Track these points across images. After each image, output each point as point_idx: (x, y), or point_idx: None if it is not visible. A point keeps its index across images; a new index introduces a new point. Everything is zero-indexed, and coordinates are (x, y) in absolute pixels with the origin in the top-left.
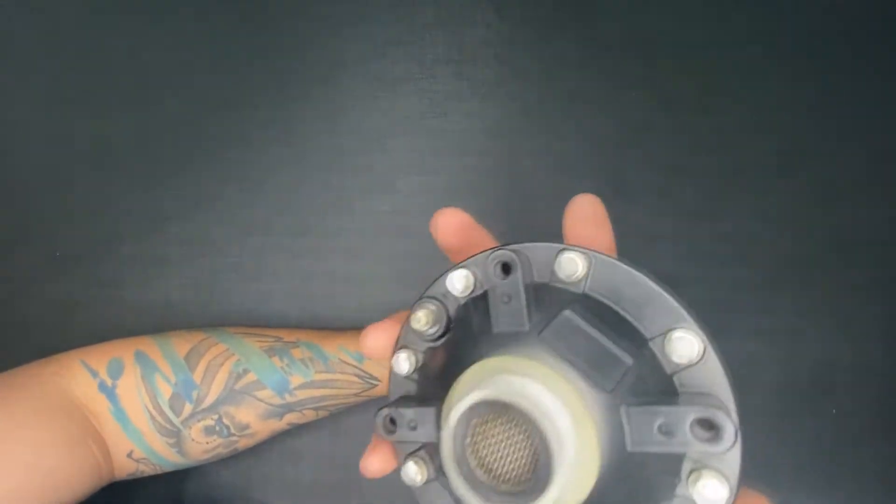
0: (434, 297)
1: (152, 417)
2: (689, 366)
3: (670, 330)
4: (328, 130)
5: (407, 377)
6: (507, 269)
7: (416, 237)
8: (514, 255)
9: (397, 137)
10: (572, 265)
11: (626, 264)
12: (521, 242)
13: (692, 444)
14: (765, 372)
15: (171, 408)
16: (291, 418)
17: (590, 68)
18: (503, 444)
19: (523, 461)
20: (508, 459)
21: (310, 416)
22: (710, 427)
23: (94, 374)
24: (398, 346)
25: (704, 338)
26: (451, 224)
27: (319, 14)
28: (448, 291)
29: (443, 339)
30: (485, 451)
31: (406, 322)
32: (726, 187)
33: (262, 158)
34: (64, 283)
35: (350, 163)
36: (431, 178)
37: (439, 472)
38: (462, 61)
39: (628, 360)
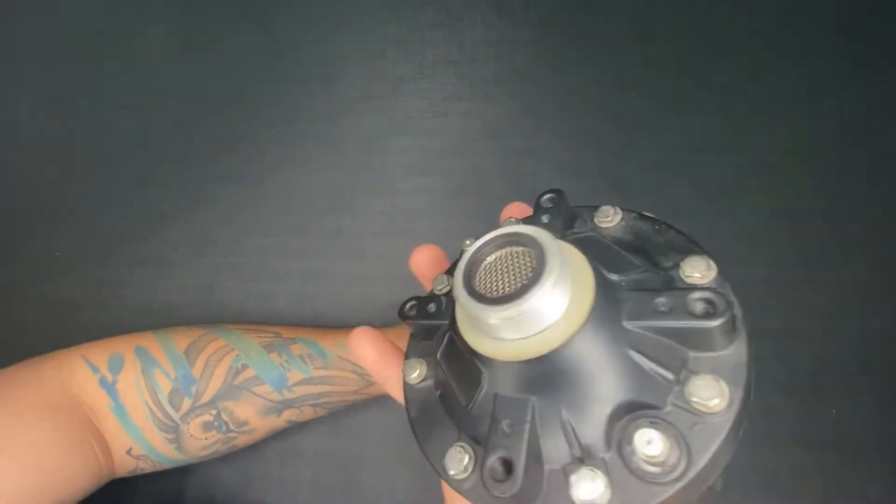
0: None
1: (152, 413)
2: (702, 284)
3: (684, 257)
4: (328, 130)
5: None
6: (554, 200)
7: (417, 237)
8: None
9: (397, 137)
10: (608, 212)
11: (652, 215)
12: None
13: (687, 317)
14: (765, 372)
15: (171, 403)
16: (290, 415)
17: (589, 68)
18: (509, 263)
19: (521, 271)
20: (510, 272)
21: (308, 413)
22: (709, 304)
23: (95, 369)
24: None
25: (712, 262)
26: (424, 257)
27: (319, 14)
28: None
29: None
30: (491, 272)
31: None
32: (726, 187)
33: (262, 158)
34: (64, 283)
35: (350, 163)
36: (431, 178)
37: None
38: (462, 61)
39: (640, 264)
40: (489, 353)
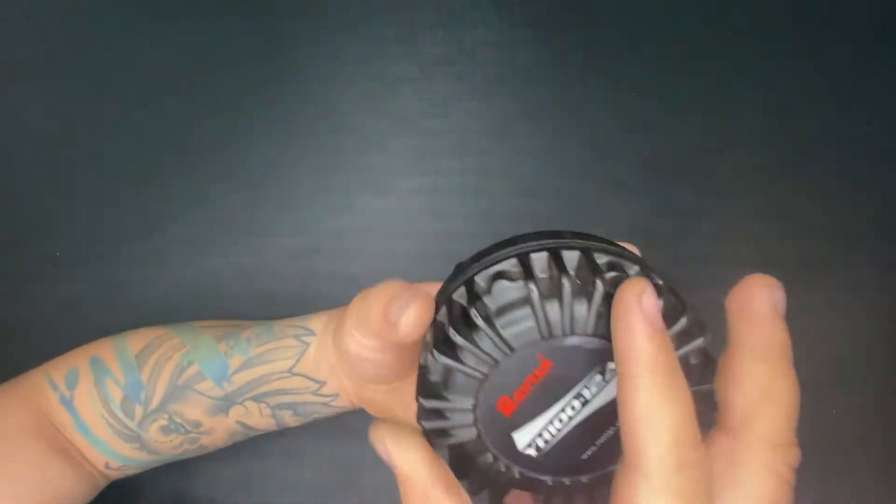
0: None
1: (110, 424)
2: None
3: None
4: (328, 130)
5: None
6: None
7: (416, 237)
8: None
9: (397, 137)
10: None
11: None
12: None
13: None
14: None
15: (124, 412)
16: (237, 414)
17: (590, 68)
18: None
19: None
20: None
21: (254, 412)
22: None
23: (56, 387)
24: None
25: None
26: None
27: (319, 14)
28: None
29: None
30: None
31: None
32: (726, 187)
33: (262, 158)
34: (64, 283)
35: (350, 163)
36: (431, 179)
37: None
38: (462, 61)
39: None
40: None
